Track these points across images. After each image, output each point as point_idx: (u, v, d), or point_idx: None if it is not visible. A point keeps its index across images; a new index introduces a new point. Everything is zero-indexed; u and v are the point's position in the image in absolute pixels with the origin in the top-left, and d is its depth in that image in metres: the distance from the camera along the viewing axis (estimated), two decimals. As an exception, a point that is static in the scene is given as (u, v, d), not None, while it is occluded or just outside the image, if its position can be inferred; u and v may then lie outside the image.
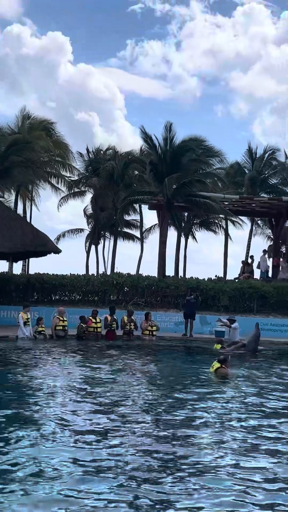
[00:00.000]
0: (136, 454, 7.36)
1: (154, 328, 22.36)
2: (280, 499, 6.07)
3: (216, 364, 14.11)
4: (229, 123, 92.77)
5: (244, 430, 8.90)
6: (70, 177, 38.53)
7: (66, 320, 21.69)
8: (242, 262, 33.80)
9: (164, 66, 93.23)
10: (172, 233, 36.36)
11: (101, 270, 41.09)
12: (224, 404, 10.84)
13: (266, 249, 33.54)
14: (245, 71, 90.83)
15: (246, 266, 32.54)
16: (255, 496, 6.12)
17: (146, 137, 30.08)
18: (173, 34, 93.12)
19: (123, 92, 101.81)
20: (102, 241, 43.73)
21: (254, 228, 42.60)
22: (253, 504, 5.92)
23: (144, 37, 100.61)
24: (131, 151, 38.76)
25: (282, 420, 9.79)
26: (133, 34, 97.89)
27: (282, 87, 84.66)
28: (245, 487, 6.36)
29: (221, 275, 35.74)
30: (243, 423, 9.40)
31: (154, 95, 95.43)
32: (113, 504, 5.75)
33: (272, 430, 9.03)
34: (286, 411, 10.60)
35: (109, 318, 22.12)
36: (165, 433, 8.49)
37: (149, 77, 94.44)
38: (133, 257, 43.19)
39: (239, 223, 41.66)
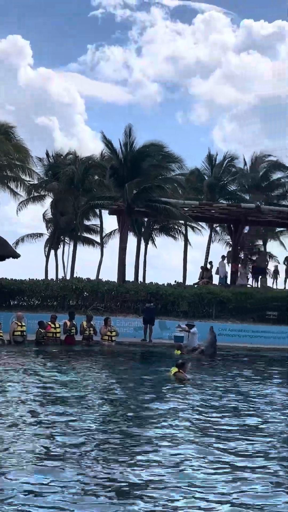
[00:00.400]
0: (94, 450, 7.38)
1: (114, 333, 22.34)
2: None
3: (174, 369, 14.22)
4: (189, 129, 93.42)
5: (195, 430, 9.01)
6: (29, 181, 38.20)
7: (24, 326, 21.45)
8: (201, 267, 34.06)
9: (125, 71, 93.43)
10: (132, 238, 36.42)
11: (60, 275, 40.82)
12: (179, 407, 10.92)
13: (225, 255, 33.88)
14: (205, 78, 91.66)
15: (205, 271, 32.80)
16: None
17: (107, 142, 30.09)
18: (134, 40, 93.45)
19: (83, 97, 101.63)
20: (62, 246, 43.46)
21: (213, 234, 42.98)
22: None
23: (105, 42, 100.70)
24: (91, 156, 38.68)
25: (231, 420, 9.94)
26: (94, 39, 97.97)
27: (241, 94, 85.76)
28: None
29: (181, 280, 35.94)
30: (196, 424, 9.51)
31: (114, 101, 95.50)
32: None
33: (222, 430, 9.15)
34: (238, 412, 10.76)
35: (68, 323, 22.01)
36: (121, 434, 8.52)
37: (110, 82, 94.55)
38: (93, 262, 42.96)
39: (198, 229, 41.97)
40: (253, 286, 34.25)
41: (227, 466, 7.41)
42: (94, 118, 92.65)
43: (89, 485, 6.39)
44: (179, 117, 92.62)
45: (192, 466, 7.31)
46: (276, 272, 37.49)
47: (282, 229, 40.44)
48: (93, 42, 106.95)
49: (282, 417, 10.84)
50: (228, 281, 31.57)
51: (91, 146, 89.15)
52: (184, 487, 6.48)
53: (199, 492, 6.39)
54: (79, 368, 16.02)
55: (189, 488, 6.47)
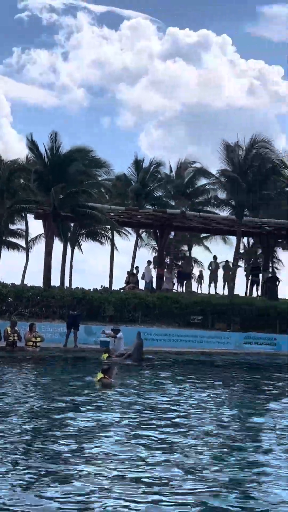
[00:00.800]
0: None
1: (38, 339, 22.08)
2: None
3: (99, 375, 14.24)
4: (116, 135, 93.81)
5: (122, 435, 9.06)
6: None
7: None
8: (128, 272, 34.22)
9: (52, 75, 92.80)
10: (58, 243, 36.14)
11: (-16, 280, 39.95)
12: (104, 413, 10.94)
13: (151, 260, 34.19)
14: (132, 84, 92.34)
15: (131, 276, 32.98)
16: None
17: (32, 146, 29.75)
18: (60, 44, 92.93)
19: (9, 100, 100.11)
20: (-14, 250, 42.59)
21: (139, 239, 43.25)
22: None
23: (31, 45, 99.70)
24: (17, 159, 38.15)
25: (158, 423, 10.06)
26: (19, 41, 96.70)
27: (167, 101, 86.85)
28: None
29: (107, 285, 35.96)
30: (123, 429, 9.56)
31: (41, 104, 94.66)
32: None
33: (148, 434, 9.24)
34: (165, 414, 10.89)
35: (-9, 329, 21.60)
36: (43, 442, 8.45)
37: (36, 86, 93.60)
38: (18, 267, 42.37)
39: (125, 234, 42.13)
40: (178, 291, 34.73)
41: (155, 470, 7.48)
42: (19, 121, 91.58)
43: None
44: (106, 122, 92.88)
45: (119, 474, 7.32)
46: (200, 277, 38.18)
47: (206, 234, 41.22)
48: (19, 45, 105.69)
49: (206, 417, 11.08)
50: (154, 286, 31.87)
51: (16, 149, 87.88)
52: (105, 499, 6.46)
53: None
54: (1, 375, 15.75)
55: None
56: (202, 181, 39.46)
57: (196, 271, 40.72)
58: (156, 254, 36.87)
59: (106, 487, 6.67)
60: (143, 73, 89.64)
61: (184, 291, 34.90)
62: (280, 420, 11.27)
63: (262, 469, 7.72)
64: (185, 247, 44.42)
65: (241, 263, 38.38)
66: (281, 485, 7.07)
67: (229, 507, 6.18)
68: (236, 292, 33.25)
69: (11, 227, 41.14)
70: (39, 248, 41.01)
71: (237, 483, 7.03)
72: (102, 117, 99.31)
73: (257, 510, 6.20)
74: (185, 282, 35.66)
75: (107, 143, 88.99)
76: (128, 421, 10.42)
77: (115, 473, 7.24)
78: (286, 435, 9.96)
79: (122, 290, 31.27)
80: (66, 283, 36.63)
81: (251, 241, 42.59)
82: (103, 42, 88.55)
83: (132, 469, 7.45)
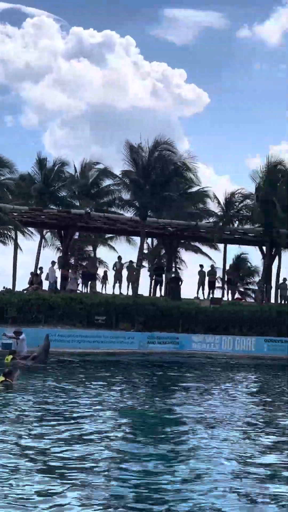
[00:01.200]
0: None
1: None
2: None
3: (0, 378, 14.04)
4: (19, 134, 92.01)
5: (26, 439, 9.00)
6: None
7: None
8: (31, 273, 33.82)
9: None
10: None
11: None
12: (6, 417, 10.82)
13: (55, 261, 33.95)
14: (35, 83, 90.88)
15: (35, 277, 32.63)
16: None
17: None
18: None
19: None
20: None
21: (43, 239, 42.81)
22: None
23: None
24: None
25: (63, 425, 10.07)
26: None
27: (72, 100, 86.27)
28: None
29: (10, 286, 35.33)
30: (27, 433, 9.49)
31: None
32: None
33: (54, 436, 9.24)
34: (70, 416, 10.91)
35: None
36: None
37: None
38: None
39: (29, 234, 41.52)
40: (83, 291, 34.69)
41: (61, 473, 7.49)
42: None
43: None
44: (9, 121, 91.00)
45: (21, 477, 7.26)
46: (105, 278, 38.32)
47: (111, 235, 41.44)
48: None
49: (112, 416, 11.20)
50: (58, 287, 31.69)
51: None
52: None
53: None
54: None
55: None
56: (107, 182, 39.61)
57: (100, 271, 40.83)
58: (61, 255, 36.65)
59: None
60: (47, 72, 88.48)
61: (88, 291, 34.92)
62: (176, 415, 11.57)
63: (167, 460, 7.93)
64: (90, 248, 44.42)
65: (145, 263, 38.86)
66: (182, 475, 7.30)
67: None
68: (140, 292, 33.64)
69: None
70: None
71: (140, 477, 7.18)
72: (5, 115, 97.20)
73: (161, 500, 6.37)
74: (89, 282, 35.68)
75: (10, 142, 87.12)
76: (30, 423, 10.35)
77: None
78: (188, 429, 10.25)
79: (25, 291, 30.86)
80: None
81: (155, 241, 43.22)
82: (6, 40, 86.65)
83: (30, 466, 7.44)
